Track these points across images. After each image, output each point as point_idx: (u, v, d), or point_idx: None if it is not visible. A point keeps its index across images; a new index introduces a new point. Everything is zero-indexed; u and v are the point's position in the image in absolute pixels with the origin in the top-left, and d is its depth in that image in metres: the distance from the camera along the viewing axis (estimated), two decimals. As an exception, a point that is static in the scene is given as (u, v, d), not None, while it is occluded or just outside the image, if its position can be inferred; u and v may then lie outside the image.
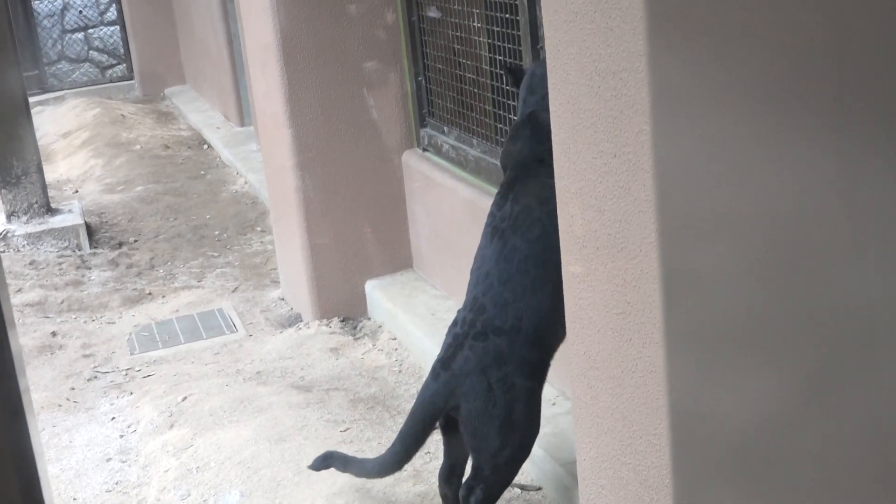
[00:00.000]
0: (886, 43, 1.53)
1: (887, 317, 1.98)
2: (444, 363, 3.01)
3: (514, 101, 3.83)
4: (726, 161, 1.77)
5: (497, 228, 3.06)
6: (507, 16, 3.74)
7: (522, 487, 3.39)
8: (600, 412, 2.35)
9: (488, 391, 2.92)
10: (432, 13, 4.53)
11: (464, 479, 3.08)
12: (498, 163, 4.01)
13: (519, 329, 2.93)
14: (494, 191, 4.00)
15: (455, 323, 3.09)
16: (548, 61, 2.25)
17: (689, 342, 1.97)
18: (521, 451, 3.01)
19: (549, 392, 3.72)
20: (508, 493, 3.37)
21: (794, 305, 1.83)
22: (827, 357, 1.77)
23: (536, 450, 3.39)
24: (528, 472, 3.46)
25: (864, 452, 2.05)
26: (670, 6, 1.80)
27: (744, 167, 1.74)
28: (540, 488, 3.37)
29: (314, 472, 3.36)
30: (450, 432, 3.10)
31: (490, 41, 3.97)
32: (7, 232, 6.39)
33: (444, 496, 3.20)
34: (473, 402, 2.94)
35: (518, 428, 2.96)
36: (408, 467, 3.49)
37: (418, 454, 3.58)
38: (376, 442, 3.72)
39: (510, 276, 2.98)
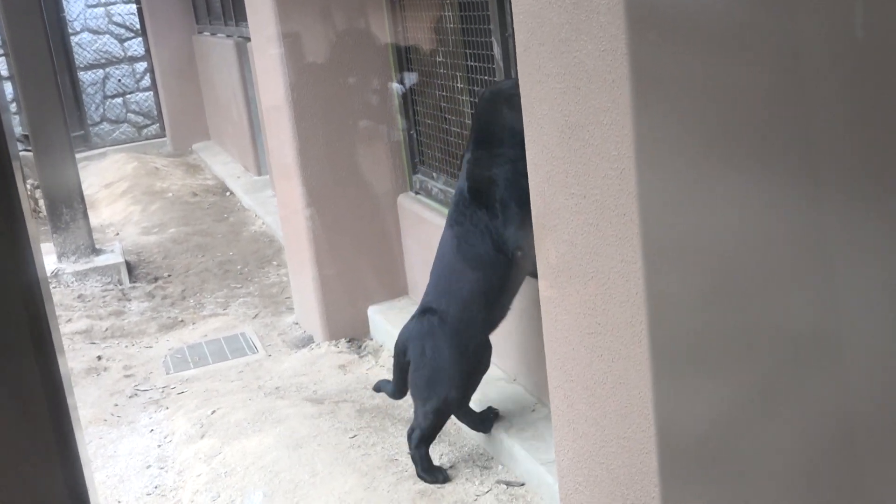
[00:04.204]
0: (826, 104, 1.51)
1: (831, 332, 1.96)
2: (406, 327, 3.47)
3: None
4: (684, 201, 1.74)
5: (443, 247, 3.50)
6: (486, 77, 3.72)
7: (507, 483, 3.34)
8: (576, 419, 2.31)
9: (422, 354, 3.36)
10: (420, 78, 4.52)
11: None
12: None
13: (447, 312, 3.34)
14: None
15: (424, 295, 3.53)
16: (524, 117, 2.23)
17: (653, 357, 1.94)
18: (445, 406, 3.39)
19: (527, 399, 3.68)
20: (496, 489, 3.32)
21: (742, 323, 1.80)
22: (778, 367, 1.74)
23: (519, 450, 3.35)
24: (511, 469, 3.41)
25: (801, 453, 2.01)
26: (629, 69, 1.78)
27: (699, 206, 1.71)
28: (523, 484, 3.32)
29: (328, 475, 3.32)
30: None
31: (472, 100, 3.95)
32: (58, 271, 6.33)
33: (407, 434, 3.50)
34: (413, 360, 3.38)
35: (442, 386, 3.35)
36: (409, 469, 3.45)
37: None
38: (381, 447, 3.67)
39: (443, 275, 3.43)
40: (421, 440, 3.40)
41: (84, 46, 11.61)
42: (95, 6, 11.57)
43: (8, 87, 9.45)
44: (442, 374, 3.36)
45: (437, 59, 4.28)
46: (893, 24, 1.27)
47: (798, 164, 1.50)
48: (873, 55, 1.31)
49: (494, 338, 3.94)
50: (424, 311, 3.43)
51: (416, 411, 3.44)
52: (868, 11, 1.30)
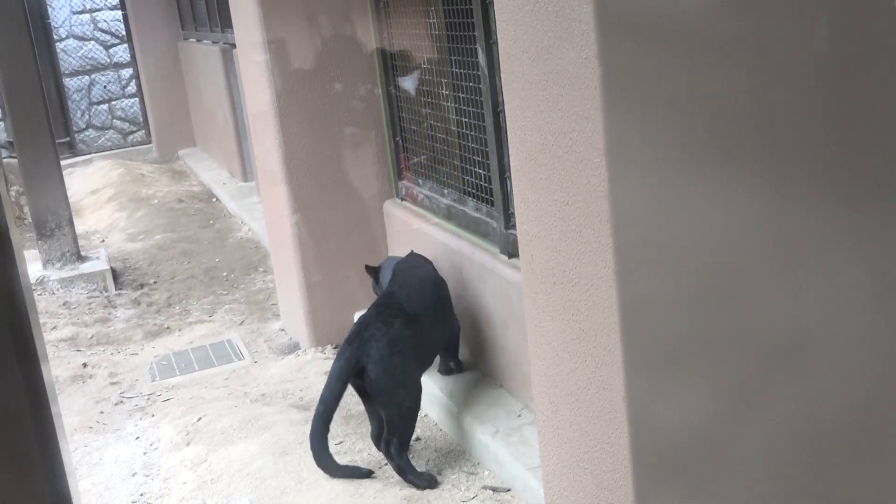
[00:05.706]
0: (798, 107, 1.53)
1: (805, 334, 1.97)
2: (356, 334, 3.44)
3: (477, 156, 3.82)
4: (667, 204, 1.75)
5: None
6: (471, 84, 3.73)
7: (493, 489, 3.34)
8: (560, 424, 2.32)
9: (390, 356, 3.36)
10: (406, 84, 4.53)
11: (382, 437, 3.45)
12: (465, 209, 3.99)
13: (417, 317, 3.51)
14: (463, 234, 3.99)
15: (369, 308, 3.61)
16: (508, 124, 2.24)
17: (638, 361, 1.95)
18: (416, 405, 3.49)
19: (513, 405, 3.69)
20: (482, 494, 3.32)
21: (726, 326, 1.81)
22: (755, 370, 1.76)
23: (505, 455, 3.35)
24: (497, 475, 3.41)
25: (790, 452, 2.03)
26: (614, 76, 1.80)
27: (680, 211, 1.72)
28: (509, 489, 3.32)
29: (314, 482, 3.31)
30: (367, 402, 3.49)
31: (456, 106, 3.96)
32: (43, 278, 6.30)
33: (382, 451, 3.49)
34: (378, 365, 3.34)
35: (413, 387, 3.46)
36: (395, 475, 3.44)
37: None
38: (366, 453, 3.66)
39: (412, 284, 3.65)
40: (401, 446, 3.41)
41: (69, 53, 11.58)
42: (81, 12, 11.54)
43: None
44: (411, 375, 3.46)
45: (423, 66, 4.29)
46: (865, 28, 1.29)
47: (777, 168, 1.51)
48: (846, 58, 1.32)
49: (481, 342, 3.94)
50: (389, 315, 3.49)
51: (389, 420, 3.39)
52: (839, 16, 1.32)
